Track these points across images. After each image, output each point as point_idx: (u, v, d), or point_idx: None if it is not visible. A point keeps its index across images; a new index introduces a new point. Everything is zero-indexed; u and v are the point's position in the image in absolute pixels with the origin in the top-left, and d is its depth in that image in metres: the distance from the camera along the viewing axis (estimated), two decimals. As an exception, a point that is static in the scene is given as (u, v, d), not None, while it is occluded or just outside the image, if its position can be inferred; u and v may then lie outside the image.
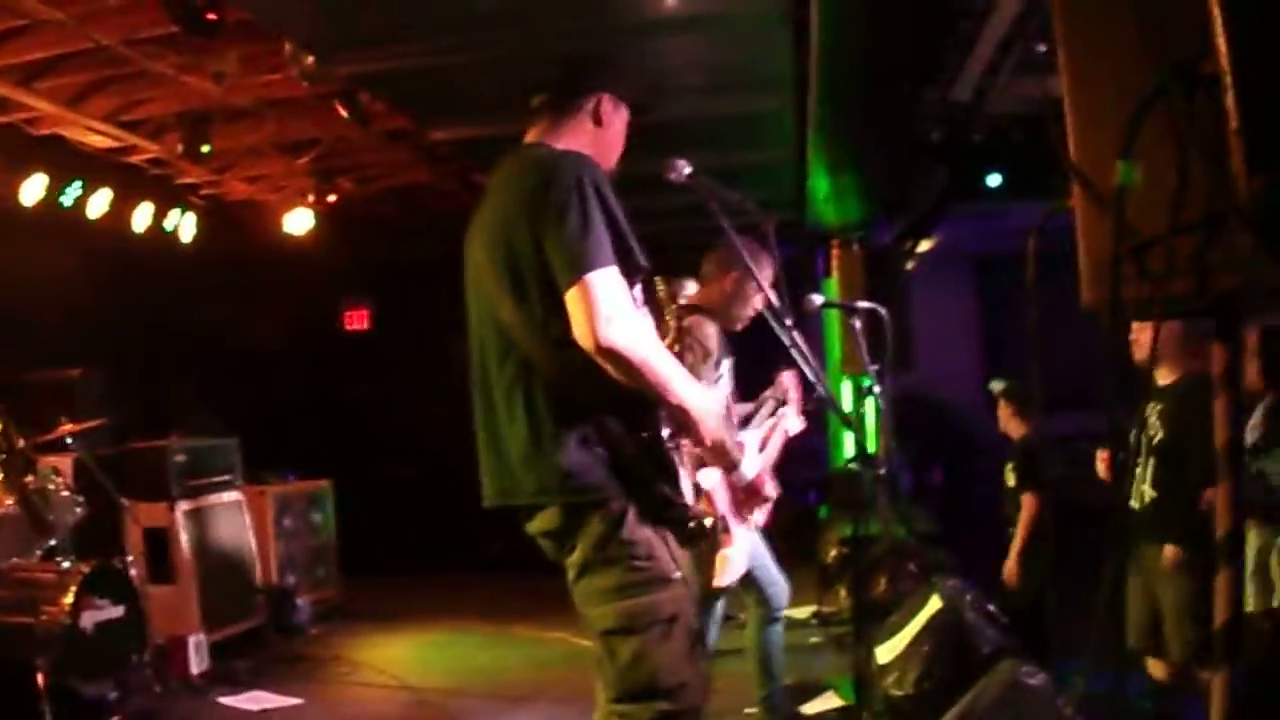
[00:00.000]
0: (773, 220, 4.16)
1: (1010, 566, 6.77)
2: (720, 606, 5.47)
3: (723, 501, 5.18)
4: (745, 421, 5.92)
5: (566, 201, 3.15)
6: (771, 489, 5.23)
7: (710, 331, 5.30)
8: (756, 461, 5.32)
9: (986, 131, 8.52)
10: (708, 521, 3.65)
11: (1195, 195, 2.29)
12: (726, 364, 5.39)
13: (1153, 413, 4.99)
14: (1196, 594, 4.63)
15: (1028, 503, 6.72)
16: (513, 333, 3.33)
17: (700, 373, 5.25)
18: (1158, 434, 4.95)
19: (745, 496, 5.18)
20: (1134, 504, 5.10)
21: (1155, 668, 5.08)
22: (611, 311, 3.08)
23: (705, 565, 5.18)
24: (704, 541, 5.17)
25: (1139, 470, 5.06)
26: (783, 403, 5.93)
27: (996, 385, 7.13)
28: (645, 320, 3.31)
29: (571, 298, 3.11)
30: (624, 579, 3.26)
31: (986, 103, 7.74)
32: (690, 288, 7.11)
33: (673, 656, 3.26)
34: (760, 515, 5.50)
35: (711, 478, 5.11)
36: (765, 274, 5.43)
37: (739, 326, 5.46)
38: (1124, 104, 2.37)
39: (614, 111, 3.61)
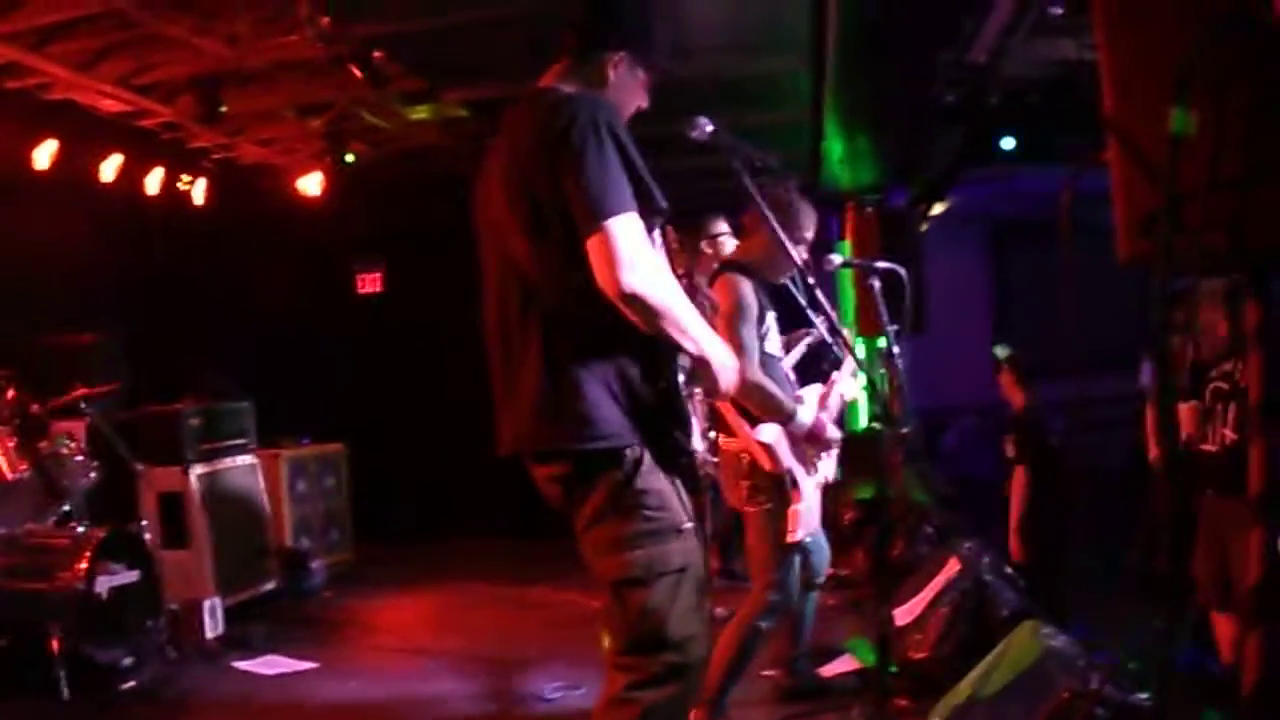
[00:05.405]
0: (792, 181, 4.13)
1: (1013, 541, 6.78)
2: (798, 562, 5.39)
3: (786, 455, 5.14)
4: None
5: (584, 144, 3.12)
6: (833, 431, 5.21)
7: (747, 288, 5.22)
8: (813, 411, 5.30)
9: (1002, 95, 8.47)
10: (714, 473, 3.61)
11: (1232, 150, 2.27)
12: (771, 317, 5.33)
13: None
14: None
15: (1019, 476, 6.72)
16: (532, 276, 3.29)
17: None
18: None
19: (807, 443, 5.18)
20: (1209, 447, 4.96)
21: (1223, 624, 5.00)
22: (633, 257, 3.06)
23: (778, 520, 5.18)
24: (777, 496, 5.16)
25: (1220, 411, 4.94)
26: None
27: (1001, 351, 7.10)
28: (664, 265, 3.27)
29: (593, 244, 3.08)
30: (636, 528, 3.23)
31: (1002, 65, 7.69)
32: (722, 225, 7.06)
33: (682, 608, 3.24)
34: (829, 461, 5.41)
35: (771, 432, 5.09)
36: (807, 225, 5.38)
37: (781, 279, 5.38)
38: (1160, 59, 2.35)
39: (631, 72, 3.55)
